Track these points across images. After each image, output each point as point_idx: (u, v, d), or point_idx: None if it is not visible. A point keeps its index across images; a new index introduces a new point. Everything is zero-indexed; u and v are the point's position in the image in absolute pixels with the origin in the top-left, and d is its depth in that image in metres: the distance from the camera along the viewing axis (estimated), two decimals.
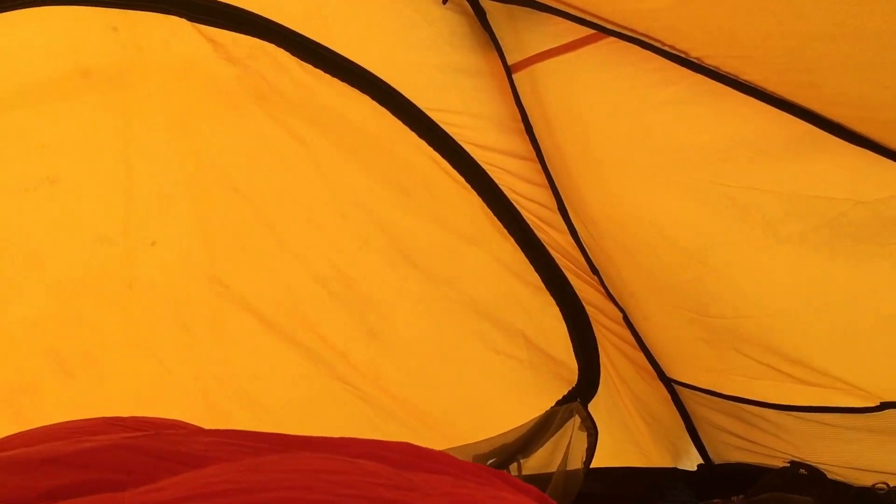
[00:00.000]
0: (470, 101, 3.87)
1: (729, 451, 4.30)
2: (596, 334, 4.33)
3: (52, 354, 3.61)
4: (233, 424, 2.64)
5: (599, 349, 4.35)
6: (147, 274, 3.74)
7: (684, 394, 4.26)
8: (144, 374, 3.78)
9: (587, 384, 4.32)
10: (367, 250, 4.01)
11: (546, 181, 3.94)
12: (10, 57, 3.37)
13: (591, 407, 4.28)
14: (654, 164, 3.38)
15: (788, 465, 3.88)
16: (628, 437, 4.46)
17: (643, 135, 3.34)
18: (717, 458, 4.46)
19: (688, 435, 4.48)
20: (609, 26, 3.04)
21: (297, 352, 3.98)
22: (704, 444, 4.46)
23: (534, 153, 3.88)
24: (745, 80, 2.81)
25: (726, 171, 3.15)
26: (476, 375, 4.25)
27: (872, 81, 2.49)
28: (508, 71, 3.70)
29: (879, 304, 3.15)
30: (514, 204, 4.06)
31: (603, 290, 4.17)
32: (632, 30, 2.97)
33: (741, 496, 3.91)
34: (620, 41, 3.06)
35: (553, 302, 4.26)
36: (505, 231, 4.11)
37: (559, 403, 4.29)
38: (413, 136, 3.85)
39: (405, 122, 3.83)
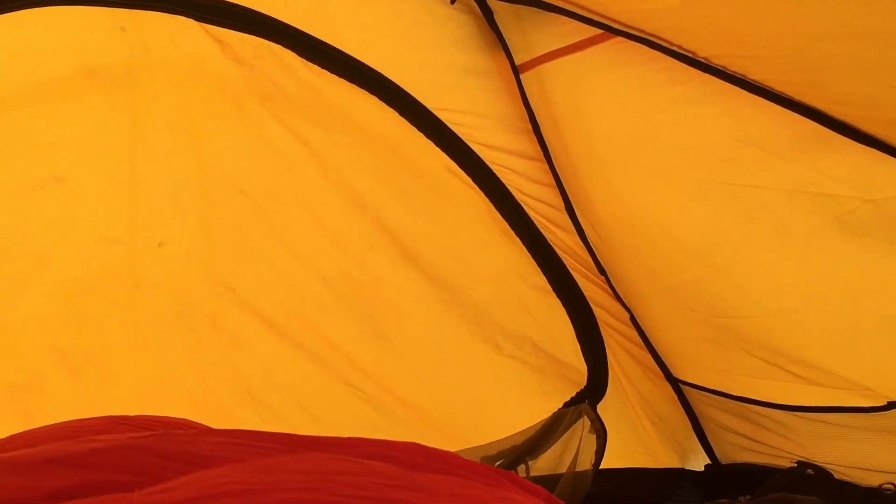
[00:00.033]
0: (477, 100, 3.87)
1: (736, 452, 4.30)
2: (603, 335, 4.32)
3: (57, 353, 3.61)
4: (237, 424, 2.64)
5: (607, 350, 4.33)
6: (154, 275, 3.74)
7: (691, 394, 4.25)
8: (149, 374, 3.78)
9: (596, 386, 4.31)
10: (372, 253, 4.00)
11: (553, 181, 3.94)
12: (19, 56, 3.38)
13: (598, 408, 4.27)
14: (661, 164, 3.37)
15: (796, 465, 3.87)
16: (635, 437, 4.45)
17: (650, 134, 3.34)
18: (724, 459, 4.45)
19: (695, 435, 4.48)
20: (616, 26, 3.03)
21: (301, 353, 3.97)
22: (711, 444, 4.45)
23: (541, 153, 3.88)
24: (753, 80, 2.82)
25: (733, 171, 3.15)
26: (483, 378, 4.25)
27: (878, 81, 2.49)
28: (516, 71, 3.70)
29: (886, 302, 3.15)
30: (522, 204, 4.05)
31: (610, 290, 4.17)
32: (639, 30, 2.97)
33: (748, 496, 3.91)
34: (628, 41, 3.06)
35: (560, 304, 4.25)
36: (512, 233, 4.10)
37: (567, 405, 4.28)
38: (420, 136, 3.85)
39: (412, 123, 3.83)
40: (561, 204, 3.99)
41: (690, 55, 2.90)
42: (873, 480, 3.60)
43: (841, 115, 2.71)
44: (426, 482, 1.85)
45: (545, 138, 3.81)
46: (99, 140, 3.58)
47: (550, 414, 4.25)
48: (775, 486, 3.84)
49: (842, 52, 2.44)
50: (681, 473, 4.55)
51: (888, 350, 3.27)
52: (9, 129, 3.42)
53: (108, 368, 3.69)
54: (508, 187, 4.02)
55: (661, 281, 3.74)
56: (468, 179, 3.97)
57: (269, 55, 3.63)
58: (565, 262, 4.17)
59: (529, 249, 4.13)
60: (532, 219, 4.08)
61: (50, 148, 3.51)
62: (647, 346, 4.24)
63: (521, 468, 4.19)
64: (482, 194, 4.02)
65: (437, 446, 2.37)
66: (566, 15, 3.20)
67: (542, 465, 4.22)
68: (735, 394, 3.88)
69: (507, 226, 4.08)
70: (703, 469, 4.54)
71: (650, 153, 3.39)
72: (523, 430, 4.21)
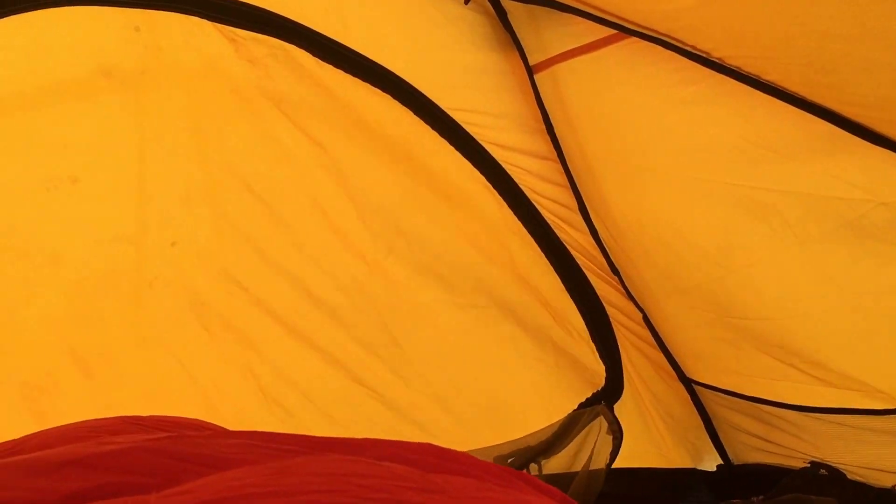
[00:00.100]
0: (491, 100, 3.87)
1: (748, 452, 4.29)
2: (616, 334, 4.32)
3: (69, 353, 3.61)
4: (250, 423, 2.65)
5: (620, 350, 4.33)
6: (167, 274, 3.74)
7: (704, 394, 4.25)
8: (162, 373, 3.78)
9: (612, 386, 4.30)
10: (386, 254, 4.01)
11: (567, 181, 3.94)
12: (34, 57, 3.38)
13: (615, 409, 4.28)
14: (675, 164, 3.37)
15: (809, 465, 3.87)
16: (648, 437, 4.45)
17: (664, 135, 3.34)
18: (736, 459, 4.45)
19: (707, 435, 4.47)
20: (630, 26, 3.03)
21: (314, 352, 3.98)
22: (724, 444, 4.45)
23: (555, 153, 3.88)
24: (767, 80, 2.81)
25: (747, 172, 3.14)
26: (500, 378, 4.25)
27: (893, 82, 2.48)
28: (530, 71, 3.70)
29: None
30: (535, 204, 4.05)
31: (623, 290, 4.17)
32: (653, 30, 2.97)
33: (761, 497, 3.91)
34: (642, 41, 3.06)
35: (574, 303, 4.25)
36: (526, 234, 4.10)
37: (582, 406, 4.28)
38: (434, 137, 3.85)
39: (427, 122, 3.83)
40: (574, 204, 3.99)
41: (704, 55, 2.90)
42: (886, 481, 3.59)
43: (855, 117, 2.71)
44: (442, 484, 1.84)
45: (559, 138, 3.81)
46: (112, 140, 3.59)
47: (565, 415, 4.25)
48: (788, 487, 3.84)
49: (857, 52, 2.43)
50: (693, 473, 4.54)
51: None
52: (23, 129, 3.42)
53: (121, 368, 3.70)
54: (522, 187, 4.02)
55: (674, 282, 3.73)
56: (482, 180, 3.97)
57: (282, 55, 3.63)
58: (579, 261, 4.18)
59: (543, 249, 4.12)
60: (546, 219, 4.08)
61: (64, 148, 3.51)
62: (660, 346, 4.24)
63: (533, 467, 4.19)
64: (496, 194, 4.02)
65: (451, 447, 2.37)
66: (580, 15, 3.20)
67: (556, 463, 4.23)
68: (748, 394, 3.88)
69: (521, 226, 4.07)
70: (715, 469, 4.53)
71: (664, 154, 3.39)
72: (538, 432, 4.22)
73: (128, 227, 3.65)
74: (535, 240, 4.10)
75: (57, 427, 2.43)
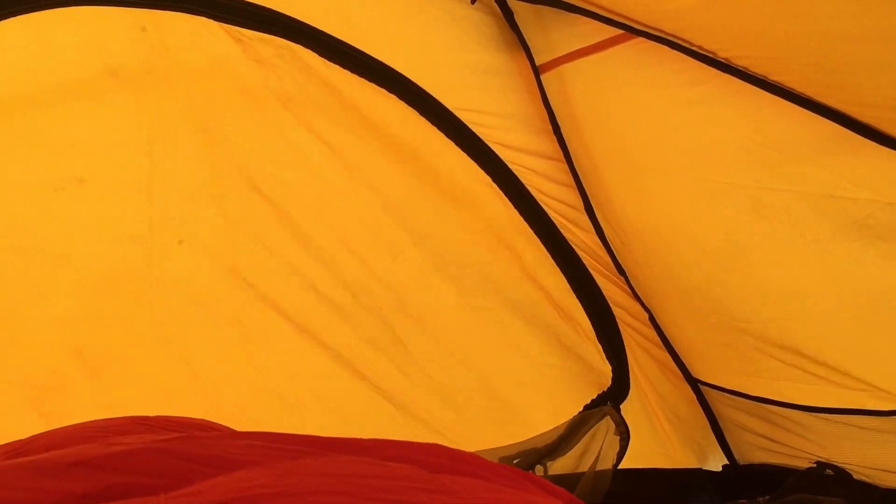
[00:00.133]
0: (498, 101, 3.87)
1: (754, 452, 4.29)
2: (622, 334, 4.31)
3: (77, 353, 3.62)
4: (256, 423, 2.64)
5: (626, 350, 4.33)
6: (173, 273, 3.75)
7: (710, 394, 4.25)
8: (170, 373, 3.79)
9: (619, 387, 4.30)
10: (394, 253, 4.01)
11: (573, 181, 3.94)
12: (40, 57, 3.40)
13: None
14: (681, 165, 3.37)
15: (814, 465, 3.86)
16: (654, 437, 4.44)
17: (670, 135, 3.33)
18: (741, 459, 4.44)
19: (713, 435, 4.47)
20: (637, 26, 3.03)
21: (321, 350, 3.98)
22: (730, 444, 4.44)
23: (561, 153, 3.88)
24: (774, 81, 2.81)
25: (753, 172, 3.13)
26: (506, 378, 4.25)
27: None
28: (536, 71, 3.70)
29: None
30: (541, 204, 4.05)
31: (629, 290, 4.16)
32: (660, 30, 2.97)
33: (767, 497, 3.91)
34: (649, 41, 3.05)
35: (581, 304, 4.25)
36: (532, 234, 4.10)
37: (588, 407, 4.27)
38: (440, 137, 3.86)
39: (433, 123, 3.83)
40: (580, 204, 3.99)
41: (711, 55, 2.90)
42: (892, 482, 3.58)
43: (862, 117, 2.70)
44: (451, 485, 1.85)
45: (565, 138, 3.81)
46: (119, 139, 3.60)
47: (571, 417, 4.25)
48: (794, 487, 3.84)
49: (863, 53, 2.43)
50: (698, 474, 4.54)
51: None
52: (30, 129, 3.44)
53: (128, 368, 3.71)
54: (528, 187, 4.01)
55: (680, 282, 3.73)
56: (488, 180, 3.97)
57: (289, 55, 3.64)
58: (585, 262, 4.17)
59: (549, 249, 4.12)
60: (552, 219, 4.07)
61: (70, 148, 3.52)
62: (666, 346, 4.23)
63: (539, 468, 4.19)
64: (502, 195, 4.02)
65: (458, 445, 2.37)
66: (587, 15, 3.20)
67: (562, 464, 4.22)
68: (754, 394, 3.87)
69: (527, 226, 4.08)
70: (720, 469, 4.53)
71: (669, 154, 3.39)
72: (544, 434, 4.21)
73: (134, 226, 3.66)
74: (542, 240, 4.09)
75: (64, 427, 2.44)
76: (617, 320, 4.29)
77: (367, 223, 3.97)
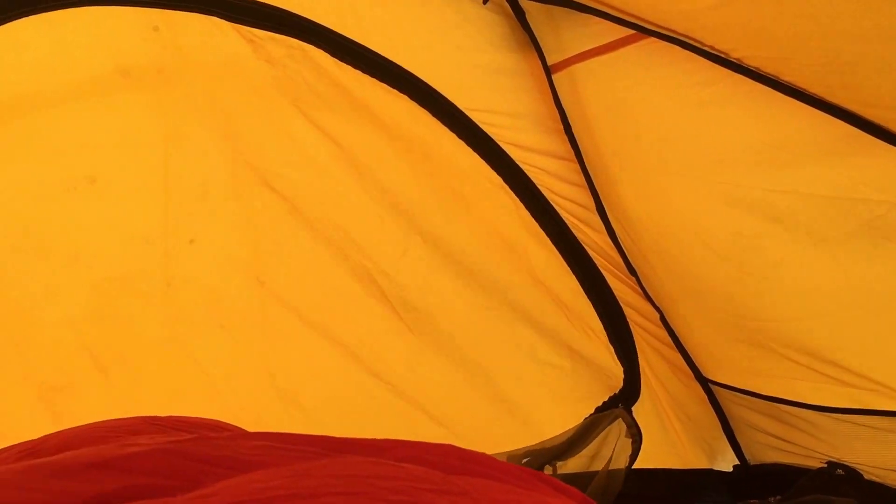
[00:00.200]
0: (509, 101, 3.88)
1: (765, 452, 4.28)
2: (633, 335, 4.31)
3: (89, 353, 3.63)
4: (267, 423, 2.66)
5: (637, 350, 4.33)
6: (185, 272, 3.76)
7: (721, 394, 4.24)
8: (181, 373, 3.80)
9: (630, 389, 4.30)
10: (405, 253, 4.01)
11: (584, 181, 3.94)
12: (53, 56, 3.41)
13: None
14: (692, 165, 3.37)
15: (826, 465, 3.86)
16: (664, 437, 4.44)
17: (682, 135, 3.33)
18: (752, 459, 4.43)
19: (724, 435, 4.46)
20: (649, 26, 3.03)
21: (334, 349, 3.98)
22: (741, 444, 4.44)
23: (572, 153, 3.88)
24: (786, 81, 2.80)
25: (764, 174, 3.13)
26: (516, 379, 4.24)
27: None
28: (548, 71, 3.70)
29: None
30: (553, 204, 4.05)
31: (640, 290, 4.16)
32: (672, 30, 2.97)
33: (778, 497, 3.91)
34: (660, 41, 3.05)
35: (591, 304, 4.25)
36: (542, 234, 4.10)
37: (599, 410, 4.27)
38: (451, 137, 3.86)
39: (444, 122, 3.84)
40: (592, 204, 3.99)
41: (723, 56, 2.89)
42: None
43: (874, 118, 2.70)
44: (464, 486, 1.84)
45: (577, 138, 3.81)
46: (131, 139, 3.61)
47: (583, 419, 4.25)
48: (805, 487, 3.83)
49: (876, 53, 2.42)
50: (709, 474, 4.53)
51: None
52: (42, 129, 3.44)
53: (139, 367, 3.71)
54: (540, 187, 4.02)
55: (691, 283, 3.73)
56: (499, 180, 3.98)
57: (300, 55, 3.64)
58: (596, 261, 4.17)
59: (560, 250, 4.12)
60: (563, 219, 4.07)
61: (82, 148, 3.53)
62: (677, 346, 4.23)
63: (548, 468, 4.18)
64: (513, 195, 4.02)
65: (468, 445, 2.37)
66: (598, 15, 3.20)
67: (573, 463, 4.22)
68: (766, 394, 3.86)
69: (538, 227, 4.07)
70: (731, 469, 4.53)
71: (681, 155, 3.39)
72: (555, 436, 4.21)
73: (146, 226, 3.67)
74: (553, 240, 4.10)
75: (75, 427, 2.45)
76: (628, 321, 4.28)
77: (377, 221, 3.97)
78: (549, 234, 4.08)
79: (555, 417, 4.26)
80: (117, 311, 3.67)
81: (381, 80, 3.72)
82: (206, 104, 3.66)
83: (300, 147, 3.82)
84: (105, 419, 2.55)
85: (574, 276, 4.17)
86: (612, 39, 3.30)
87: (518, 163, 3.95)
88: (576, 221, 4.09)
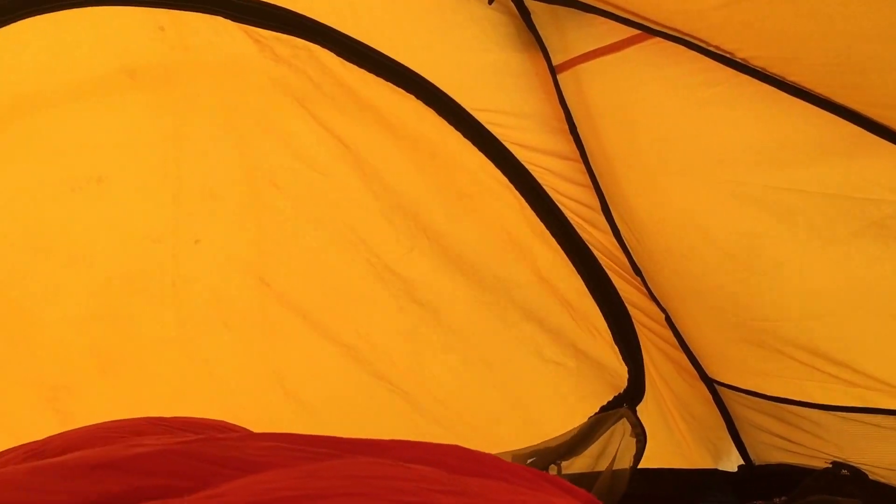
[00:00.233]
0: (514, 101, 3.88)
1: (770, 452, 4.28)
2: (638, 335, 4.31)
3: (94, 353, 3.64)
4: (273, 423, 2.64)
5: (642, 350, 4.33)
6: (190, 272, 3.76)
7: (726, 394, 4.24)
8: (186, 373, 3.80)
9: (635, 389, 4.30)
10: (411, 252, 4.02)
11: (590, 181, 3.94)
12: (60, 56, 3.41)
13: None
14: (698, 166, 3.37)
15: (831, 465, 3.86)
16: (669, 437, 4.44)
17: (687, 135, 3.33)
18: (757, 459, 4.43)
19: (729, 436, 4.46)
20: (654, 27, 3.03)
21: (338, 349, 3.99)
22: (745, 444, 4.43)
23: (577, 153, 3.88)
24: (792, 81, 2.80)
25: (771, 173, 3.13)
26: (521, 379, 4.25)
27: None
28: (553, 71, 3.70)
29: None
30: (558, 204, 4.05)
31: (645, 290, 4.16)
32: (677, 30, 2.97)
33: (783, 497, 3.90)
34: (665, 41, 3.05)
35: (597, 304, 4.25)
36: (548, 234, 4.10)
37: (604, 409, 4.27)
38: (457, 137, 3.86)
39: (450, 122, 3.84)
40: (597, 204, 3.99)
41: (729, 56, 2.89)
42: None
43: (880, 118, 2.70)
44: (473, 486, 1.85)
45: (582, 138, 3.81)
46: (137, 139, 3.62)
47: (587, 418, 4.25)
48: (810, 487, 3.83)
49: (884, 53, 2.42)
50: (714, 474, 4.53)
51: None
52: (49, 128, 3.45)
53: (144, 368, 3.72)
54: (545, 187, 4.02)
55: (697, 282, 3.73)
56: (504, 180, 3.98)
57: (306, 55, 3.65)
58: (601, 262, 4.17)
59: (565, 249, 4.12)
60: (568, 219, 4.07)
61: (89, 148, 3.54)
62: (682, 346, 4.23)
63: (553, 468, 4.18)
64: (518, 195, 4.02)
65: (472, 445, 2.37)
66: (604, 15, 3.19)
67: (578, 464, 4.22)
68: (771, 394, 3.86)
69: (543, 227, 4.08)
70: (736, 470, 4.52)
71: (687, 154, 3.39)
72: (559, 436, 4.21)
73: (152, 226, 3.69)
74: (558, 240, 4.09)
75: (80, 428, 2.46)
76: (633, 321, 4.28)
77: (383, 220, 3.98)
78: (554, 235, 4.08)
79: (559, 416, 4.26)
80: (123, 311, 3.68)
81: (387, 79, 3.73)
82: (212, 104, 3.67)
83: (306, 146, 3.83)
84: (110, 420, 2.56)
85: (579, 276, 4.17)
86: (617, 39, 3.30)
87: (523, 163, 3.96)
88: (581, 222, 4.09)
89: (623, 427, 4.19)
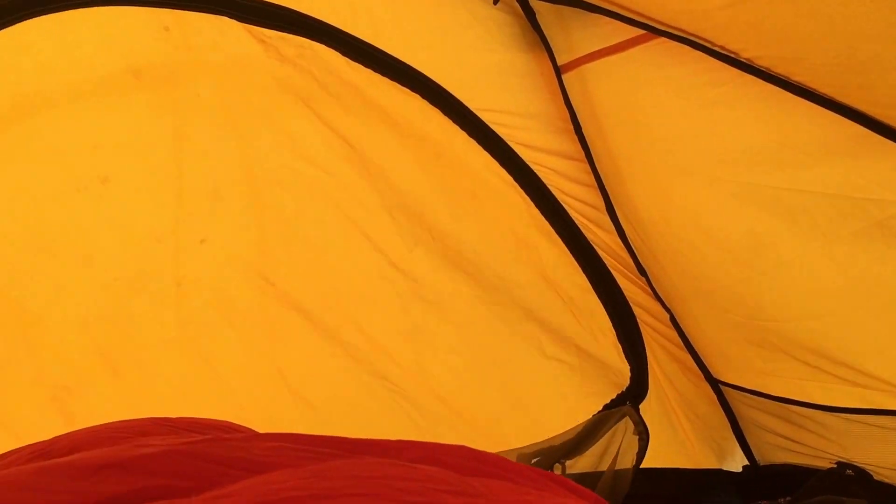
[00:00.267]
0: (519, 101, 3.88)
1: (774, 452, 4.28)
2: (643, 335, 4.31)
3: (100, 353, 3.63)
4: (278, 424, 2.64)
5: (646, 350, 4.33)
6: (195, 272, 3.76)
7: (731, 395, 4.24)
8: (191, 373, 3.79)
9: (638, 387, 4.30)
10: (415, 251, 4.02)
11: (595, 182, 3.95)
12: (65, 57, 3.40)
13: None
14: (703, 165, 3.37)
15: (835, 465, 3.86)
16: (673, 437, 4.44)
17: (692, 135, 3.33)
18: (762, 459, 4.43)
19: (733, 436, 4.46)
20: (659, 27, 3.03)
21: (341, 349, 3.99)
22: (750, 445, 4.44)
23: (583, 154, 3.89)
24: (796, 81, 2.80)
25: (775, 173, 3.13)
26: (523, 377, 4.25)
27: None
28: (558, 71, 3.71)
29: None
30: (563, 204, 4.06)
31: (650, 290, 4.17)
32: (682, 30, 2.97)
33: (788, 498, 3.90)
34: (670, 42, 3.05)
35: (601, 303, 4.25)
36: (552, 233, 4.10)
37: (607, 407, 4.28)
38: (462, 136, 3.87)
39: (455, 122, 3.84)
40: (602, 204, 4.00)
41: (733, 56, 2.89)
42: None
43: (884, 118, 2.70)
44: (481, 487, 1.85)
45: (587, 138, 3.81)
46: (142, 139, 3.61)
47: (591, 416, 4.26)
48: (815, 488, 3.83)
49: (888, 53, 2.42)
50: (718, 474, 4.53)
51: None
52: (54, 128, 3.44)
53: (150, 368, 3.71)
54: (550, 188, 4.02)
55: (702, 283, 3.73)
56: (509, 179, 3.98)
57: (311, 55, 3.65)
58: (606, 262, 4.17)
59: (570, 248, 4.12)
60: (573, 219, 4.08)
61: (94, 148, 3.53)
62: (687, 346, 4.23)
63: (557, 467, 4.18)
64: (523, 193, 4.02)
65: (476, 445, 2.37)
66: (609, 15, 3.20)
67: (582, 463, 4.22)
68: (775, 394, 3.86)
69: (548, 225, 4.08)
70: (741, 470, 4.52)
71: (691, 154, 3.39)
72: (563, 433, 4.21)
73: (157, 226, 3.68)
74: (563, 239, 4.10)
75: (86, 428, 2.45)
76: (638, 321, 4.28)
77: (387, 217, 3.99)
78: (559, 234, 4.08)
79: (562, 414, 4.27)
80: (128, 312, 3.67)
81: (392, 79, 3.73)
82: (217, 104, 3.67)
83: (311, 146, 3.83)
84: (116, 420, 2.56)
85: (583, 274, 4.18)
86: (622, 39, 3.30)
87: (528, 163, 3.96)
88: (586, 222, 4.10)
89: (625, 425, 4.19)
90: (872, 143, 2.75)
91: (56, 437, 2.34)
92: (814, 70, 2.73)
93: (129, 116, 3.57)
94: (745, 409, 4.21)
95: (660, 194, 3.61)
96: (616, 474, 4.17)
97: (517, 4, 3.64)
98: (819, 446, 3.90)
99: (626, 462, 4.20)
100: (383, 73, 3.70)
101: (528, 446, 4.15)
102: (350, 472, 1.83)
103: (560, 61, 3.67)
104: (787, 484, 4.03)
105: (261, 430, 2.64)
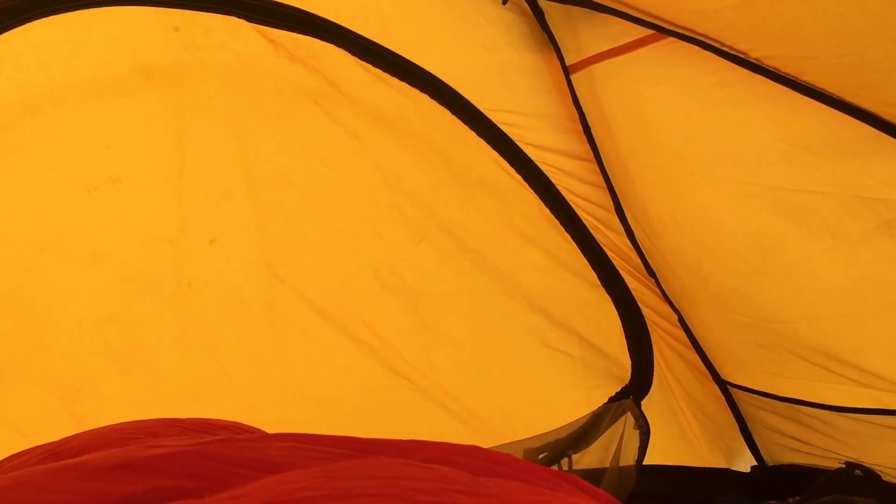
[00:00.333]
0: (528, 101, 3.89)
1: (783, 453, 4.28)
2: (651, 334, 4.31)
3: (109, 353, 3.62)
4: (288, 423, 2.64)
5: (654, 349, 4.33)
6: (205, 272, 3.76)
7: (739, 396, 4.24)
8: (201, 374, 3.79)
9: (640, 382, 4.31)
10: (424, 246, 4.02)
11: (603, 182, 3.95)
12: (75, 57, 3.41)
13: (646, 407, 4.28)
14: (712, 166, 3.37)
15: (844, 466, 3.85)
16: (681, 436, 4.44)
17: (700, 136, 3.34)
18: (770, 460, 4.43)
19: (741, 436, 4.46)
20: (668, 27, 3.04)
21: (351, 344, 3.99)
22: (758, 445, 4.43)
23: (591, 154, 3.89)
24: (805, 81, 2.81)
25: (784, 174, 3.14)
26: (529, 370, 4.25)
27: None
28: (566, 71, 3.71)
29: None
30: (571, 204, 4.06)
31: (659, 291, 4.17)
32: (691, 30, 2.97)
33: (797, 498, 3.90)
34: (679, 42, 3.06)
35: (608, 298, 4.26)
36: (561, 227, 4.10)
37: (611, 400, 4.29)
38: (472, 134, 3.88)
39: (464, 122, 3.85)
40: (610, 205, 4.00)
41: (743, 56, 2.90)
42: None
43: (893, 118, 2.70)
44: (494, 488, 1.84)
45: (596, 139, 3.81)
46: (153, 139, 3.61)
47: (594, 408, 4.26)
48: (823, 488, 3.83)
49: None
50: (726, 474, 4.53)
51: None
52: (64, 129, 3.44)
53: (159, 368, 3.71)
54: (559, 188, 4.03)
55: (710, 284, 3.73)
56: (518, 178, 3.98)
57: (322, 54, 3.66)
58: (614, 262, 4.18)
59: (581, 248, 4.12)
60: (582, 219, 4.08)
61: (105, 148, 3.53)
62: (695, 347, 4.23)
63: (564, 462, 4.19)
64: (531, 192, 4.02)
65: (483, 436, 2.39)
66: (617, 15, 3.20)
67: (586, 459, 4.22)
68: (784, 395, 3.87)
69: (556, 220, 4.08)
70: (749, 470, 4.52)
71: (700, 155, 3.39)
72: (566, 425, 4.22)
73: (167, 226, 3.67)
74: (573, 239, 4.11)
75: (95, 429, 2.45)
76: (646, 320, 4.28)
77: (395, 213, 3.99)
78: (568, 234, 4.08)
79: (567, 407, 4.28)
80: (138, 312, 3.67)
81: (401, 79, 3.74)
82: (227, 103, 3.67)
83: (321, 144, 3.84)
84: (125, 420, 2.56)
85: (593, 272, 4.18)
86: (630, 39, 3.31)
87: (538, 163, 3.97)
88: (594, 222, 4.11)
89: (626, 419, 4.20)
90: (881, 143, 2.76)
91: (66, 438, 2.33)
92: (823, 70, 2.74)
93: (141, 116, 3.57)
94: (754, 410, 4.21)
95: (668, 194, 3.61)
96: (621, 471, 4.17)
97: (526, 4, 3.66)
98: (827, 447, 3.90)
99: (629, 458, 4.20)
100: (392, 73, 3.71)
101: (533, 438, 4.15)
102: (364, 473, 1.82)
103: (569, 61, 3.67)
104: (795, 484, 4.03)
105: (270, 429, 2.63)
